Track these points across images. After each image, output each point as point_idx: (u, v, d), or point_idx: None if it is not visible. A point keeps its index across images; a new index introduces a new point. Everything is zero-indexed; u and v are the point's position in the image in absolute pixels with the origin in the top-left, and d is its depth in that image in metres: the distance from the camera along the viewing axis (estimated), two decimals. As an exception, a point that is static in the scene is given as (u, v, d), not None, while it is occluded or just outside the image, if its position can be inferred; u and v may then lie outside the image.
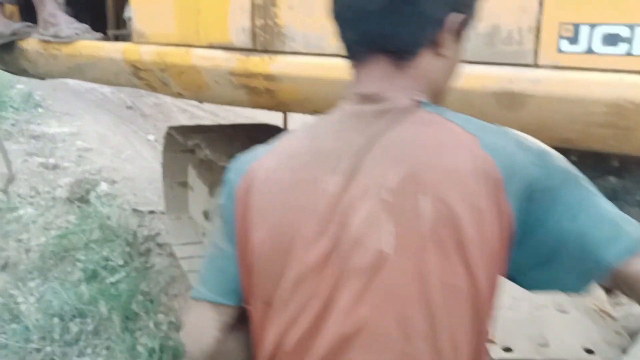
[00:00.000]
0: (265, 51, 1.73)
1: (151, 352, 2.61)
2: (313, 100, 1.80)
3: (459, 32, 0.82)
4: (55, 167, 5.32)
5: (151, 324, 2.91)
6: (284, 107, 2.03)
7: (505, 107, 1.36)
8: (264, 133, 3.15)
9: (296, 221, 0.79)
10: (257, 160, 0.86)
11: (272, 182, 0.82)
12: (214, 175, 3.17)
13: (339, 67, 1.61)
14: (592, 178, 2.19)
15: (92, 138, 6.30)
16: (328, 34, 1.61)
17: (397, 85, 0.81)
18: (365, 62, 0.83)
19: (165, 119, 8.17)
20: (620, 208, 2.14)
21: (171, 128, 3.52)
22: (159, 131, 7.35)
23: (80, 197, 4.69)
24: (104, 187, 4.87)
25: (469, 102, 1.40)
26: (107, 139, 6.41)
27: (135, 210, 4.46)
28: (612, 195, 1.93)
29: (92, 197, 4.68)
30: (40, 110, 7.07)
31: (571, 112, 1.29)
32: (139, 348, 2.66)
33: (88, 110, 7.60)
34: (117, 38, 2.58)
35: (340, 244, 0.76)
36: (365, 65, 0.83)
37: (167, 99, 9.49)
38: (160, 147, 6.64)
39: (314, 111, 2.02)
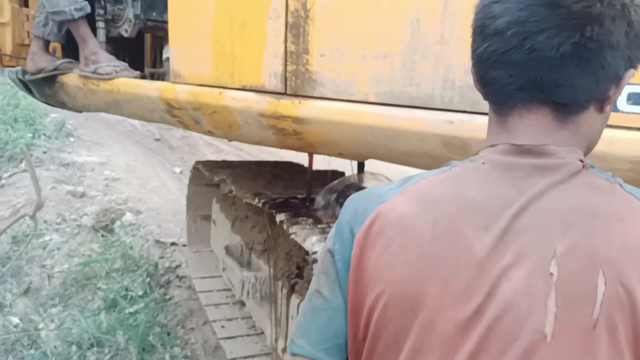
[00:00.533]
0: (296, 95, 1.79)
1: (166, 385, 2.62)
2: (339, 144, 1.85)
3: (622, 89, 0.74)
4: (82, 195, 5.44)
5: (167, 357, 2.91)
6: (309, 149, 2.08)
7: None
8: (287, 171, 3.20)
9: (429, 279, 0.68)
10: (386, 202, 0.74)
11: (406, 229, 0.71)
12: (237, 211, 3.22)
13: (366, 113, 1.66)
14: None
15: (120, 168, 6.44)
16: (357, 81, 1.66)
17: (557, 140, 0.72)
18: (520, 110, 0.73)
19: (191, 151, 8.32)
20: None
21: (198, 162, 3.60)
22: (185, 164, 7.50)
23: (105, 226, 4.77)
24: (129, 217, 4.96)
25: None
26: (134, 170, 6.54)
27: (157, 242, 4.52)
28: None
29: (116, 226, 4.75)
30: (71, 139, 7.27)
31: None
32: (154, 381, 2.67)
33: (117, 140, 7.79)
34: (152, 76, 2.69)
35: (484, 314, 0.64)
36: (520, 114, 0.73)
37: (195, 133, 9.68)
38: (185, 180, 6.75)
39: (339, 154, 2.07)
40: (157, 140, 8.72)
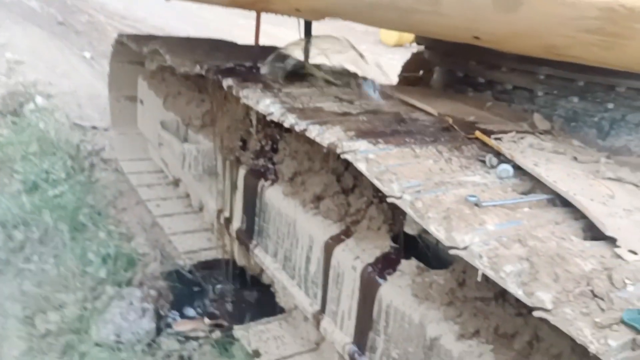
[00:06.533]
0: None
1: (105, 258, 2.56)
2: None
3: None
4: (-18, 77, 4.93)
5: (101, 234, 2.83)
6: (263, 4, 1.96)
7: (502, 7, 1.38)
8: (223, 45, 3.06)
9: None
10: None
11: None
12: (168, 87, 3.06)
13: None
14: (558, 98, 2.25)
15: (23, 51, 5.86)
16: None
17: None
18: None
19: (100, 37, 7.72)
20: (580, 129, 2.23)
21: (122, 35, 3.32)
22: (95, 49, 6.96)
23: (13, 110, 4.40)
24: (39, 100, 4.58)
25: (466, 1, 1.42)
26: (39, 53, 5.98)
27: (76, 125, 4.24)
28: (573, 117, 2.04)
29: (26, 110, 4.39)
30: (-40, 17, 6.47)
31: (563, 16, 1.33)
32: (90, 255, 2.60)
33: (16, 22, 7.03)
34: None
35: None
36: None
37: (101, 17, 8.93)
38: (97, 66, 6.30)
39: (296, 10, 1.97)
40: (61, 24, 7.97)
